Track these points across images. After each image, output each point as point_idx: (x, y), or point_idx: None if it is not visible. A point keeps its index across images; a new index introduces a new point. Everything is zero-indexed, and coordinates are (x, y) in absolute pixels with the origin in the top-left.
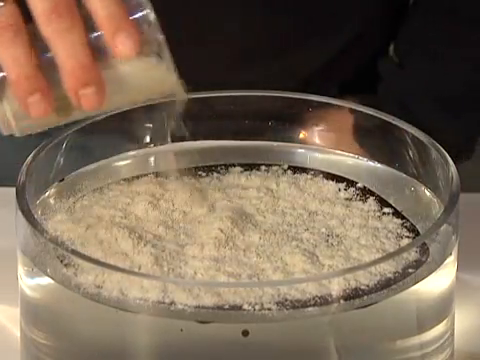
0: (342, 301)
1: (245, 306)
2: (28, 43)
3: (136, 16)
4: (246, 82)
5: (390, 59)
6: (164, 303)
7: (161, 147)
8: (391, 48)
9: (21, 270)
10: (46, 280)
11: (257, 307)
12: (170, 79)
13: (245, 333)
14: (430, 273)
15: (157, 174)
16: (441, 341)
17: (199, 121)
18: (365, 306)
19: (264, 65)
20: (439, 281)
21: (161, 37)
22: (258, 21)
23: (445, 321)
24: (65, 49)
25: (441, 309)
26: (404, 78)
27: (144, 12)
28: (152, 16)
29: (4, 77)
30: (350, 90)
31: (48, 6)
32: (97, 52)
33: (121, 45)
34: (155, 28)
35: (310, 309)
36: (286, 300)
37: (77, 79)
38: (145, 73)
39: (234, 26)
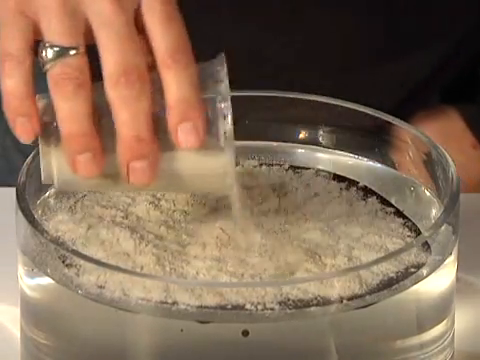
0: (345, 301)
1: (247, 306)
2: (89, 100)
3: (213, 107)
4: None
5: None
6: (166, 303)
7: None
8: None
9: (21, 270)
10: (46, 280)
11: (259, 307)
12: (227, 181)
13: (245, 333)
14: (430, 273)
15: None
16: (441, 341)
17: None
18: (365, 306)
19: (366, 72)
20: (439, 281)
21: (230, 134)
22: (360, 27)
23: (445, 321)
24: (126, 117)
25: (441, 309)
26: None
27: (221, 104)
28: (228, 111)
29: (57, 129)
30: (452, 99)
31: (119, 68)
32: (159, 128)
33: (183, 135)
34: (227, 123)
35: (312, 309)
36: (288, 300)
37: (132, 151)
38: (202, 166)
39: (337, 29)
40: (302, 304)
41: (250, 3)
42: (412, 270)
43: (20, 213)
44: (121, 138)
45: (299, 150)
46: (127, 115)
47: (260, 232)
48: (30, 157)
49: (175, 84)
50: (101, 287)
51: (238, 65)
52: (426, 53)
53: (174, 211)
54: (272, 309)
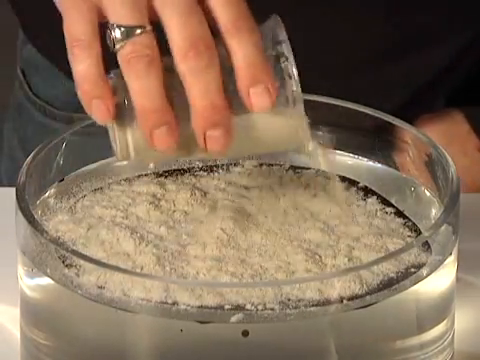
0: (345, 301)
1: (248, 306)
2: (160, 76)
3: (277, 67)
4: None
5: None
6: (167, 303)
7: None
8: None
9: (21, 270)
10: (46, 280)
11: (260, 307)
12: (300, 134)
13: (245, 333)
14: (430, 273)
15: (157, 174)
16: (441, 341)
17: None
18: (366, 306)
19: (367, 74)
20: (439, 281)
21: (298, 91)
22: (360, 28)
23: (445, 321)
24: (198, 88)
25: (441, 309)
26: None
27: (285, 63)
28: (293, 69)
29: (130, 106)
30: (458, 104)
31: (187, 42)
32: (230, 96)
33: (255, 98)
34: (294, 81)
35: (312, 309)
36: (289, 300)
37: (206, 119)
38: (275, 125)
39: (341, 30)
40: (302, 304)
41: (249, 2)
42: (412, 270)
43: (20, 213)
44: (195, 108)
45: None
46: (199, 86)
47: (260, 232)
48: (30, 157)
49: (241, 50)
50: (101, 287)
51: None
52: (428, 55)
53: (174, 211)
54: (272, 309)
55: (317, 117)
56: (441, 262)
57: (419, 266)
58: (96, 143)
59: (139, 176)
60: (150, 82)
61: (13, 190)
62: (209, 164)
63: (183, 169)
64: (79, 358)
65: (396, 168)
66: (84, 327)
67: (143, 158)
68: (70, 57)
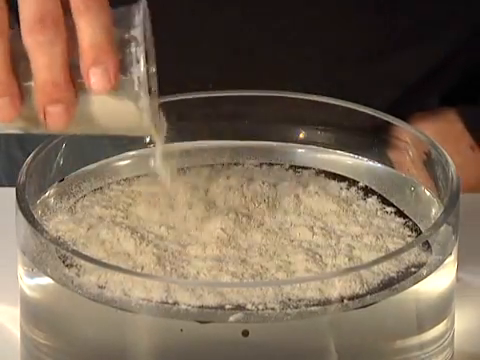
0: (345, 300)
1: (248, 306)
2: (7, 48)
3: (126, 51)
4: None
5: None
6: (167, 303)
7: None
8: None
9: (21, 270)
10: (46, 280)
11: (260, 307)
12: (143, 123)
13: (245, 333)
14: (430, 273)
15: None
16: (441, 341)
17: (200, 121)
18: (366, 306)
19: (359, 70)
20: (439, 281)
21: (144, 77)
22: (357, 21)
23: (445, 321)
24: (41, 62)
25: (441, 309)
26: None
27: (135, 48)
28: (142, 55)
29: None
30: (452, 103)
31: (34, 15)
32: (76, 73)
33: (94, 78)
34: (141, 66)
35: (313, 309)
36: (289, 300)
37: (47, 95)
38: (118, 108)
39: (331, 26)
40: (303, 304)
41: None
42: (413, 270)
43: (20, 213)
44: (37, 83)
45: (299, 150)
46: (42, 60)
47: (260, 232)
48: (30, 157)
49: (87, 29)
50: (102, 287)
51: (232, 63)
52: (420, 52)
53: (174, 211)
54: (273, 309)
55: (317, 117)
56: (441, 262)
57: (419, 266)
58: (96, 143)
59: (139, 176)
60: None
61: (13, 190)
62: (209, 163)
63: (182, 169)
64: (79, 358)
65: (395, 168)
66: (84, 327)
67: None
68: None
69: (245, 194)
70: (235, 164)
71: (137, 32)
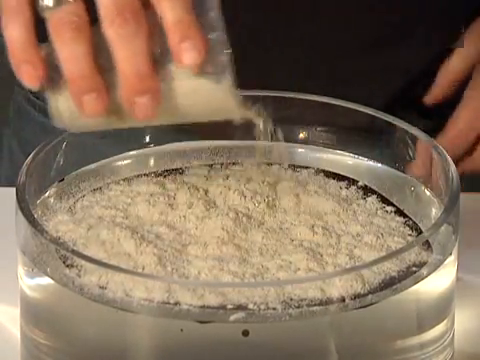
0: (347, 300)
1: (250, 306)
2: (89, 42)
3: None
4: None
5: None
6: (169, 303)
7: (161, 147)
8: None
9: (21, 270)
10: (46, 280)
11: (262, 307)
12: (229, 103)
13: (245, 333)
14: (430, 273)
15: (156, 173)
16: (441, 341)
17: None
18: (366, 306)
19: (361, 61)
20: (439, 281)
21: (227, 58)
22: (354, 16)
23: (445, 321)
24: (125, 55)
25: (441, 309)
26: None
27: (216, 32)
28: (223, 37)
29: (61, 73)
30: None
31: (114, 8)
32: (160, 64)
33: (185, 53)
34: (223, 48)
35: (315, 308)
36: (291, 299)
37: (133, 86)
38: (204, 92)
39: (338, 20)
40: (305, 303)
41: None
42: (413, 269)
43: (20, 213)
44: (122, 75)
45: (299, 150)
46: (125, 52)
47: (261, 231)
48: (30, 157)
49: (170, 10)
50: (103, 288)
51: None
52: (425, 42)
53: (174, 211)
54: (275, 309)
55: (317, 117)
56: (441, 262)
57: (420, 265)
58: (96, 143)
59: (138, 176)
60: (78, 49)
61: (13, 190)
62: (208, 163)
63: (181, 168)
64: (79, 358)
65: (396, 168)
66: (84, 327)
67: (73, 125)
68: (2, 23)
69: (245, 194)
70: (234, 164)
71: (214, 16)
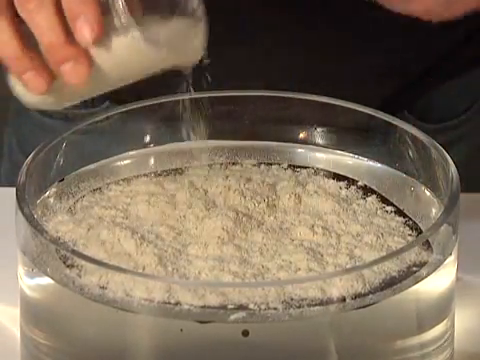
0: (348, 300)
1: (250, 306)
2: (14, 26)
3: None
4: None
5: None
6: (169, 304)
7: (161, 147)
8: None
9: (21, 270)
10: (46, 280)
11: (263, 307)
12: (155, 54)
13: (245, 333)
14: (430, 273)
15: (156, 174)
16: (441, 341)
17: (199, 121)
18: (366, 306)
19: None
20: (439, 281)
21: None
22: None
23: (445, 321)
24: (37, 29)
25: (441, 309)
26: None
27: None
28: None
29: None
30: None
31: None
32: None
33: (79, 31)
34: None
35: (316, 308)
36: (291, 299)
37: (54, 56)
38: (129, 49)
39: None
40: (305, 303)
41: None
42: (414, 269)
43: (20, 213)
44: (44, 49)
45: (298, 150)
46: (36, 26)
47: (261, 231)
48: (30, 157)
49: None
50: (103, 288)
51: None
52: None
53: (174, 211)
54: (275, 309)
55: (317, 117)
56: (441, 262)
57: (420, 265)
58: (96, 143)
59: (137, 176)
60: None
61: (13, 190)
62: (208, 163)
63: (181, 168)
64: (79, 358)
65: (396, 168)
66: (85, 327)
67: (29, 102)
68: None
69: (244, 194)
70: (233, 164)
71: None
